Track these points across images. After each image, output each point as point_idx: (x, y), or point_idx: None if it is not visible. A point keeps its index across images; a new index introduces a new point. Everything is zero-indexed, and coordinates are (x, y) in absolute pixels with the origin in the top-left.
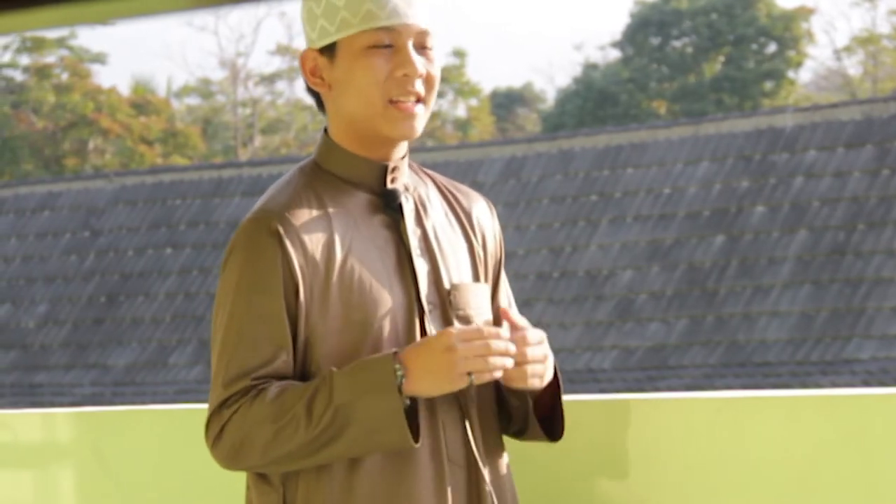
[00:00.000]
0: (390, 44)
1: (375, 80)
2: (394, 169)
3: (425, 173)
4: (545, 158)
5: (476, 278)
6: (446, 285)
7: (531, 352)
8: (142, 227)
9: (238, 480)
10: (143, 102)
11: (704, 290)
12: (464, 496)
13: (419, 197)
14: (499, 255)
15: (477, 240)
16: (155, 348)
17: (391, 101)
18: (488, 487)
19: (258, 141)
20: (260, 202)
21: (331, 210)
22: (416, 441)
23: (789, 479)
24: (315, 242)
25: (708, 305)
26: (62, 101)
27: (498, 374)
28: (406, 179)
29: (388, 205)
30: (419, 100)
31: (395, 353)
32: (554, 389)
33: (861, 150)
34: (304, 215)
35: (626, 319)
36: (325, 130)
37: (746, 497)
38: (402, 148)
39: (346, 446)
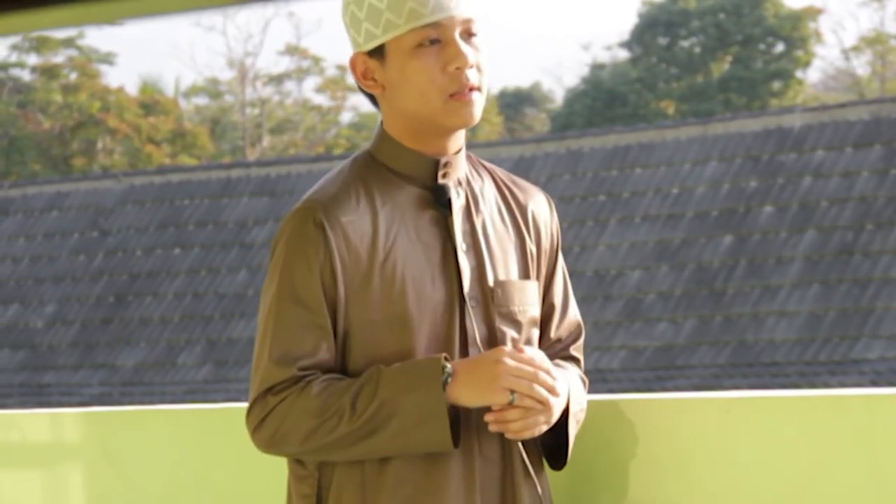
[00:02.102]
0: (438, 38)
1: (430, 79)
2: (446, 164)
3: (484, 167)
4: (553, 158)
5: (526, 275)
6: (491, 282)
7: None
8: (150, 227)
9: (246, 479)
10: (151, 102)
11: (713, 290)
12: (497, 492)
13: (472, 192)
14: (554, 250)
15: (530, 236)
16: (163, 348)
17: (450, 96)
18: (525, 484)
19: (266, 141)
20: (310, 192)
21: (379, 203)
22: (456, 445)
23: (797, 479)
24: (359, 235)
25: (716, 305)
26: (70, 101)
27: (538, 406)
28: (460, 174)
29: (438, 200)
30: (473, 89)
31: (445, 356)
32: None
33: (869, 150)
34: (350, 207)
35: (634, 319)
36: (381, 123)
37: (754, 497)
38: (458, 142)
39: (384, 440)
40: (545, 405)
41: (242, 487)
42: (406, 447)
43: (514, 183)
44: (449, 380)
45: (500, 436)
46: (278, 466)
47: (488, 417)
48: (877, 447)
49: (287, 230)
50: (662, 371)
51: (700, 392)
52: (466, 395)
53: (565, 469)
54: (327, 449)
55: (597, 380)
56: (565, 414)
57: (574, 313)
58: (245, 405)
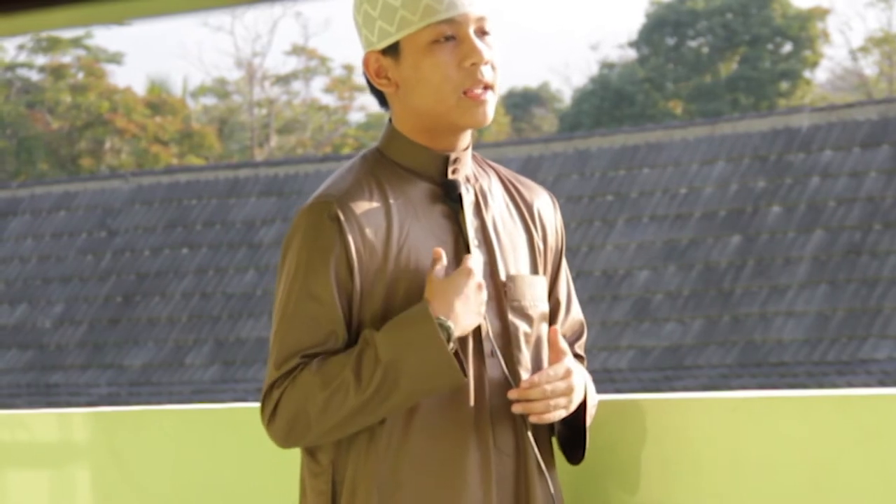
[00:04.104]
0: (452, 35)
1: (445, 76)
2: (455, 160)
3: (489, 165)
4: (561, 158)
5: (535, 270)
6: (502, 277)
7: (552, 387)
8: (158, 227)
9: (254, 479)
10: (158, 102)
11: (720, 291)
12: (511, 486)
13: (480, 188)
14: (559, 248)
15: (537, 232)
16: (171, 348)
17: (464, 93)
18: (538, 479)
19: (274, 141)
20: (322, 187)
21: (391, 198)
22: (466, 375)
23: (805, 479)
24: (374, 229)
25: (724, 305)
26: (78, 101)
27: (549, 372)
28: (468, 171)
29: (449, 195)
30: (487, 87)
31: (428, 302)
32: (581, 416)
33: (877, 150)
34: (364, 202)
35: (642, 319)
36: (390, 120)
37: (762, 497)
38: (466, 139)
39: (401, 398)
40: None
41: (250, 487)
42: (422, 396)
43: (518, 181)
44: (447, 326)
45: (515, 429)
46: (286, 466)
47: (511, 395)
48: (884, 447)
49: (302, 225)
50: (670, 371)
51: (708, 392)
52: (463, 319)
53: (573, 467)
54: (344, 423)
55: (605, 380)
56: (581, 407)
57: (577, 311)
58: (253, 405)
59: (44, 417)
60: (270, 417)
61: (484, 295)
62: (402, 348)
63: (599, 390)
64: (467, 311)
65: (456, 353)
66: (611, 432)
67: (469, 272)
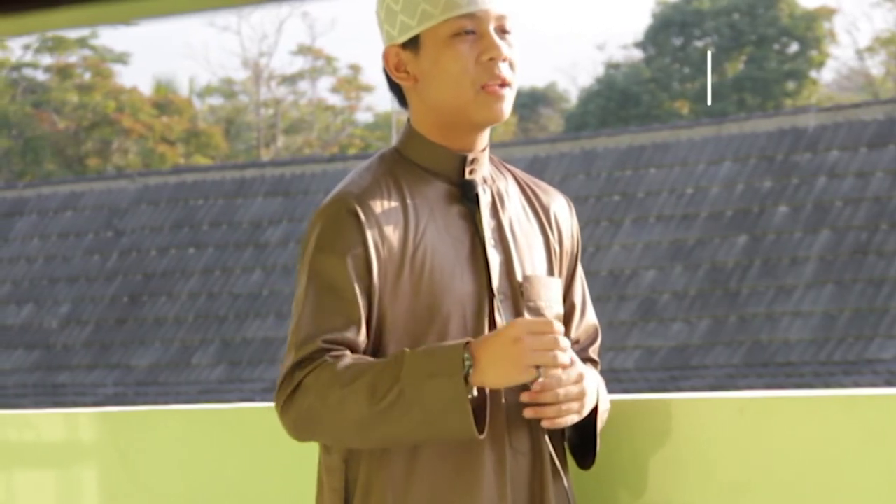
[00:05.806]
0: (473, 30)
1: (464, 68)
2: (473, 160)
3: (506, 167)
4: (568, 158)
5: (550, 272)
6: (518, 277)
7: (564, 392)
8: (164, 227)
9: (260, 479)
10: (165, 102)
11: (727, 291)
12: (526, 485)
13: (497, 190)
14: (575, 251)
15: (553, 235)
16: (178, 348)
17: (482, 87)
18: (553, 477)
19: (280, 141)
20: (340, 185)
21: (409, 197)
22: (482, 432)
23: (811, 479)
24: (391, 227)
25: (730, 305)
26: (84, 101)
27: (559, 373)
28: (485, 172)
29: (466, 195)
30: (505, 83)
31: (467, 342)
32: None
33: (884, 150)
34: (382, 200)
35: (648, 319)
36: (409, 120)
37: (768, 497)
38: (484, 140)
39: (409, 428)
40: (565, 368)
41: (257, 488)
42: (431, 435)
43: (535, 184)
44: (470, 369)
45: (530, 429)
46: (293, 466)
47: (523, 398)
48: (891, 447)
49: (320, 222)
50: (677, 371)
51: (714, 392)
52: (490, 378)
53: (578, 468)
54: (351, 430)
55: (611, 380)
56: (593, 412)
57: (591, 315)
58: (260, 405)
59: (50, 417)
60: (286, 401)
61: (524, 348)
62: (422, 376)
63: (606, 390)
64: (498, 363)
65: (481, 406)
66: (617, 432)
67: (513, 326)
